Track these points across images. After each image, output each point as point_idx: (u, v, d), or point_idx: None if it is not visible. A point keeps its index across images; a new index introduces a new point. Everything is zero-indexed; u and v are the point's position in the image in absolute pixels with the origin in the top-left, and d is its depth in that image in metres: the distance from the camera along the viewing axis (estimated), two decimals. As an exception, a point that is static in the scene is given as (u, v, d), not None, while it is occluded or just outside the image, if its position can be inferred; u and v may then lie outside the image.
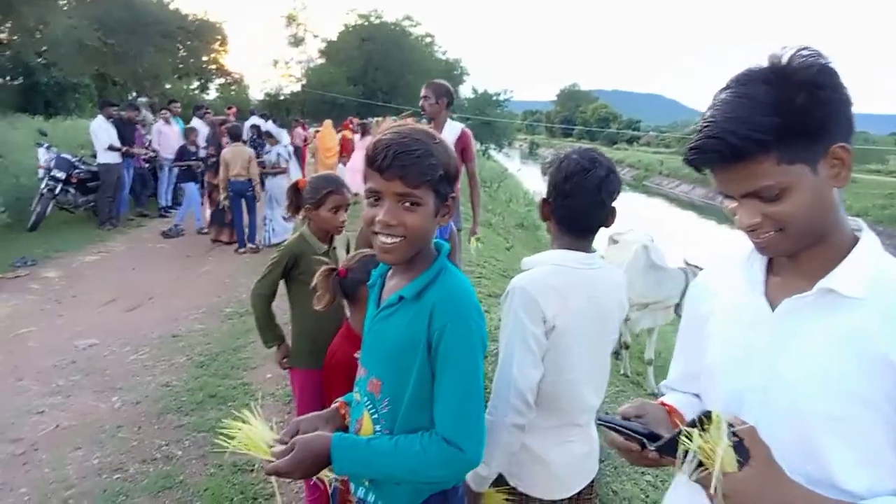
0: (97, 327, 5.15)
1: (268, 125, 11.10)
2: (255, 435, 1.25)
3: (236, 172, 7.51)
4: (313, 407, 2.19)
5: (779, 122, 0.87)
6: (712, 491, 0.86)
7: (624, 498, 2.98)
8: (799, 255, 0.98)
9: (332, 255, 2.57)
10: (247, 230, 8.05)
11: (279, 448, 1.21)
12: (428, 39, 33.14)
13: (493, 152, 32.23)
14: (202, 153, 8.86)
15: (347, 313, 2.15)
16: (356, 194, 4.53)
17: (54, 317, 5.40)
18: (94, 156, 8.97)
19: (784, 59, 0.90)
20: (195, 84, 27.75)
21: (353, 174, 9.12)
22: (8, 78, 19.03)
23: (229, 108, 13.33)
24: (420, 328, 1.19)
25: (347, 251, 2.68)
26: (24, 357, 4.51)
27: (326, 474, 1.26)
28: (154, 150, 9.99)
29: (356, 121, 13.70)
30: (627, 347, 5.99)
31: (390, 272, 1.34)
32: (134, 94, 19.76)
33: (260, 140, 9.14)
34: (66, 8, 19.43)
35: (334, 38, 32.20)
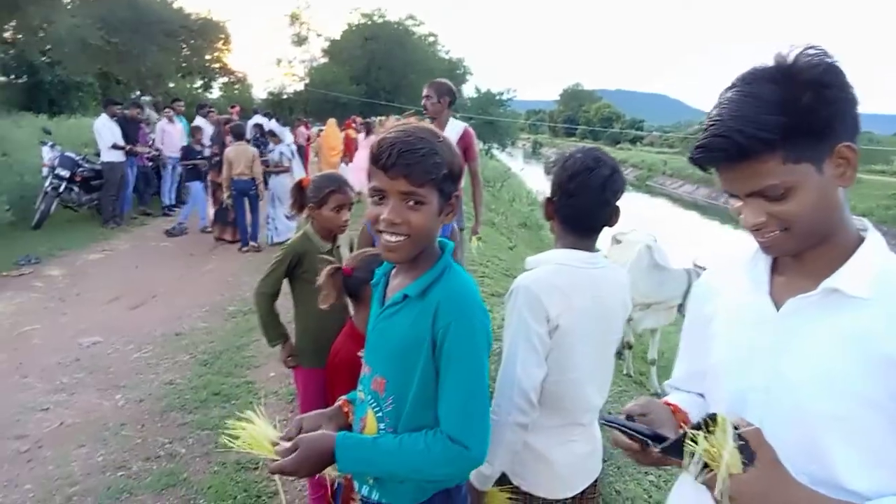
0: (101, 325, 5.17)
1: (271, 124, 11.13)
2: (259, 433, 1.25)
3: (240, 171, 7.52)
4: (317, 405, 2.18)
5: (785, 121, 0.86)
6: (717, 493, 0.86)
7: (627, 498, 2.98)
8: (804, 254, 0.97)
9: (336, 253, 2.57)
10: (250, 229, 8.06)
11: (283, 446, 1.20)
12: (431, 39, 33.21)
13: (496, 152, 32.23)
14: (207, 152, 8.89)
15: (351, 312, 2.15)
16: (359, 193, 4.53)
17: (58, 315, 5.42)
18: (98, 154, 9.02)
19: (790, 58, 0.90)
20: (199, 83, 27.82)
21: (356, 173, 9.14)
22: (12, 76, 19.08)
23: (233, 107, 13.34)
24: (424, 326, 1.19)
25: (351, 250, 2.69)
26: (29, 355, 4.53)
27: (330, 472, 1.26)
28: (157, 149, 10.02)
29: (359, 120, 13.70)
30: (630, 347, 5.97)
31: (394, 271, 1.34)
32: (137, 92, 19.78)
33: (263, 139, 9.17)
34: (70, 7, 19.45)
35: (337, 38, 32.27)
